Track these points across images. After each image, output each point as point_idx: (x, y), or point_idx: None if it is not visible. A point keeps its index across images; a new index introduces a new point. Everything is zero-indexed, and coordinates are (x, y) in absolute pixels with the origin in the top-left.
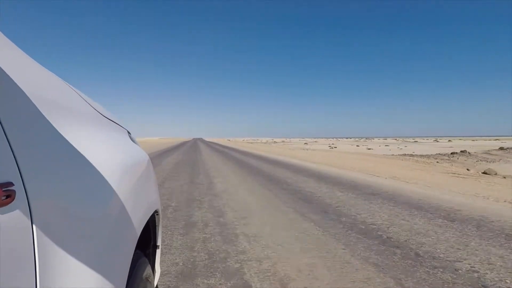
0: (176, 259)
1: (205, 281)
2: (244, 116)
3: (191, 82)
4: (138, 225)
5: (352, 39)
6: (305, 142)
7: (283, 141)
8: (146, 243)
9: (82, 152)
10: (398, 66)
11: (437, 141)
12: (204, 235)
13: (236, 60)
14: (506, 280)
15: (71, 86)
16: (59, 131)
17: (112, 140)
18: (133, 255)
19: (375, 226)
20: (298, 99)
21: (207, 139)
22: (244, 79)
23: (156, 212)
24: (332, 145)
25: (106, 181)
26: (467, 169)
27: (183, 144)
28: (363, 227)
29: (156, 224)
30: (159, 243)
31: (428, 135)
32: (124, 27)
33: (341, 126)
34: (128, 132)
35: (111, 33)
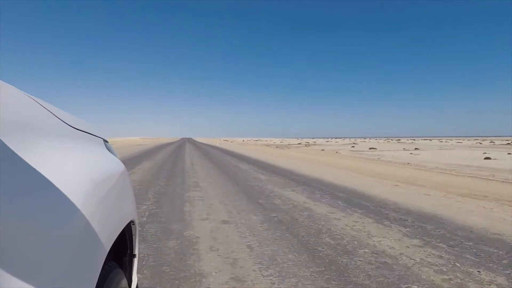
0: None
1: None
2: (238, 115)
3: (178, 79)
4: (108, 239)
5: (355, 38)
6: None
7: (307, 143)
8: (124, 253)
9: (40, 170)
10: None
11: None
12: None
13: (230, 55)
14: None
15: (33, 97)
16: (13, 150)
17: (81, 153)
18: (107, 267)
19: None
20: (301, 98)
21: (198, 139)
22: (239, 76)
23: (132, 222)
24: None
25: (68, 199)
26: None
27: (160, 148)
28: None
29: (133, 234)
30: (136, 252)
31: (428, 135)
32: (104, 23)
33: (340, 126)
34: (105, 141)
35: (94, 30)
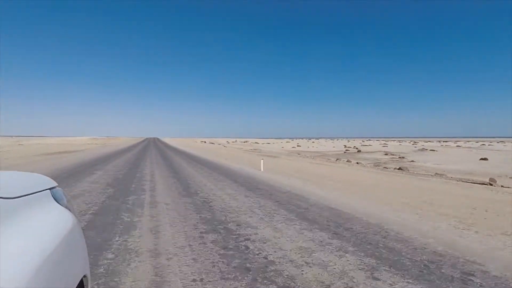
0: None
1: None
2: (212, 113)
3: (147, 75)
4: None
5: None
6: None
7: (357, 149)
8: None
9: None
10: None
11: None
12: None
13: (210, 49)
14: None
15: None
16: None
17: (18, 231)
18: None
19: None
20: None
21: (167, 140)
22: (217, 71)
23: (84, 276)
24: None
25: None
26: None
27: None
28: None
29: (84, 285)
30: None
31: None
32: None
33: (320, 126)
34: (52, 188)
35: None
